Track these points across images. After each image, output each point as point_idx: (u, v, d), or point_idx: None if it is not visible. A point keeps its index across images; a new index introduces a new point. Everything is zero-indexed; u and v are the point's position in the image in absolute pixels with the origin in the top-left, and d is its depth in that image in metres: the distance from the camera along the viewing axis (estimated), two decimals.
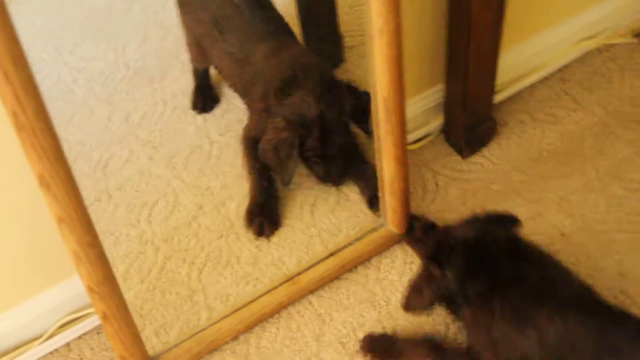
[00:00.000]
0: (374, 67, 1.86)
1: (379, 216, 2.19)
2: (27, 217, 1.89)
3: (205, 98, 2.46)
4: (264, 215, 2.22)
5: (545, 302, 1.71)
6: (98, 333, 2.07)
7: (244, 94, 2.33)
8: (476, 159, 2.35)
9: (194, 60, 2.44)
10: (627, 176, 2.30)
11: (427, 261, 1.81)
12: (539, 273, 1.76)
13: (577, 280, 1.81)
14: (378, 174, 2.07)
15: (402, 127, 1.95)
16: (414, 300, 1.87)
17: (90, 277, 1.70)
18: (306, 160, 2.22)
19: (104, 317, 1.78)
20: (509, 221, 1.86)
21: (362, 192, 2.27)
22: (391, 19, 1.77)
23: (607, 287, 2.09)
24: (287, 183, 2.22)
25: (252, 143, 2.27)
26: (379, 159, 2.03)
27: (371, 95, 1.92)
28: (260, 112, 2.23)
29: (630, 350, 1.66)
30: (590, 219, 2.22)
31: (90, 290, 1.72)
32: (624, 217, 2.21)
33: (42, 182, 1.53)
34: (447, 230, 1.85)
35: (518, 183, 2.29)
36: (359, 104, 2.17)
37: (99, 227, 1.68)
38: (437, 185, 2.29)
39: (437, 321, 2.03)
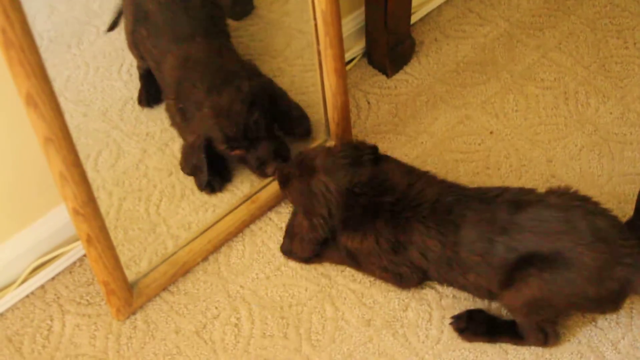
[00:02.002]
0: None
1: (311, 143, 2.31)
2: None
3: (149, 94, 2.42)
4: (212, 175, 2.26)
5: (415, 226, 1.92)
6: (70, 272, 2.12)
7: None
8: (400, 76, 2.49)
9: (134, 56, 2.40)
10: (539, 77, 2.49)
11: (309, 215, 2.00)
12: (401, 199, 1.95)
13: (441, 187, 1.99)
14: (321, 92, 2.19)
15: (340, 39, 2.08)
16: (297, 248, 2.09)
17: (76, 198, 1.76)
18: (232, 159, 2.24)
19: (88, 240, 1.85)
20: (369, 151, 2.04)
21: (296, 127, 2.34)
22: None
23: (539, 173, 2.27)
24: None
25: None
26: (321, 75, 2.15)
27: (310, 13, 2.04)
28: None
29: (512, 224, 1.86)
30: (514, 116, 2.39)
31: (75, 212, 1.79)
32: (543, 112, 2.40)
33: (30, 100, 1.58)
34: (316, 174, 1.98)
35: (442, 92, 2.45)
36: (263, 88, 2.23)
37: None
38: (368, 103, 2.43)
39: None
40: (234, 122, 2.14)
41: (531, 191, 1.92)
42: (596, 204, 1.89)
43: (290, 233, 2.12)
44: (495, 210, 1.88)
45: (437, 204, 1.92)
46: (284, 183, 2.07)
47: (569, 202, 1.86)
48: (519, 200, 1.88)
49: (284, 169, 2.07)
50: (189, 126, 2.22)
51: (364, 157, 1.98)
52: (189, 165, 2.25)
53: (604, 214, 1.86)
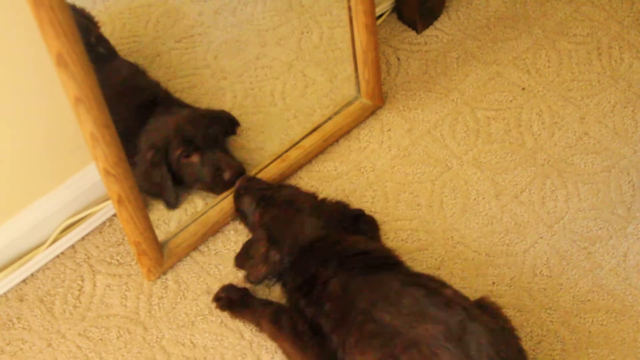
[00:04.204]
0: None
1: None
2: (22, 123, 1.91)
3: None
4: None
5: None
6: (100, 232, 2.11)
7: None
8: (430, 32, 2.45)
9: None
10: (571, 32, 2.44)
11: (268, 245, 1.92)
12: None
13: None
14: (351, 48, 2.16)
15: None
16: (251, 270, 1.95)
17: (107, 158, 1.74)
18: (185, 171, 2.13)
19: (119, 200, 1.84)
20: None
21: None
22: None
23: (571, 131, 2.24)
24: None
25: None
26: (351, 31, 2.12)
27: None
28: None
29: (398, 296, 1.74)
30: (545, 72, 2.36)
31: (106, 173, 1.77)
32: (575, 68, 2.36)
33: (60, 60, 1.57)
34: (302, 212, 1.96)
35: (473, 48, 2.41)
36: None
37: None
38: (398, 59, 2.40)
39: None
40: (193, 126, 2.11)
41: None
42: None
43: (247, 250, 1.98)
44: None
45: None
46: (240, 196, 2.04)
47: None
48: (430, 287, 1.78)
49: (251, 183, 2.05)
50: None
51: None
52: (152, 186, 2.12)
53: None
